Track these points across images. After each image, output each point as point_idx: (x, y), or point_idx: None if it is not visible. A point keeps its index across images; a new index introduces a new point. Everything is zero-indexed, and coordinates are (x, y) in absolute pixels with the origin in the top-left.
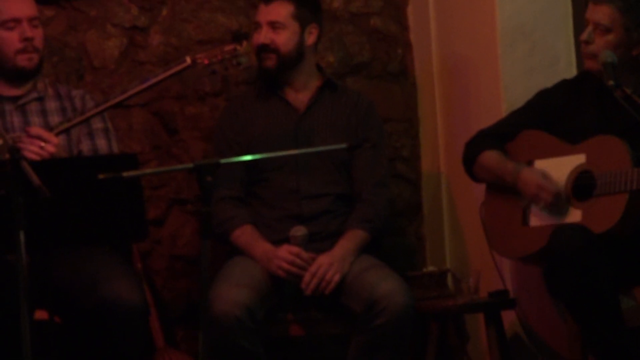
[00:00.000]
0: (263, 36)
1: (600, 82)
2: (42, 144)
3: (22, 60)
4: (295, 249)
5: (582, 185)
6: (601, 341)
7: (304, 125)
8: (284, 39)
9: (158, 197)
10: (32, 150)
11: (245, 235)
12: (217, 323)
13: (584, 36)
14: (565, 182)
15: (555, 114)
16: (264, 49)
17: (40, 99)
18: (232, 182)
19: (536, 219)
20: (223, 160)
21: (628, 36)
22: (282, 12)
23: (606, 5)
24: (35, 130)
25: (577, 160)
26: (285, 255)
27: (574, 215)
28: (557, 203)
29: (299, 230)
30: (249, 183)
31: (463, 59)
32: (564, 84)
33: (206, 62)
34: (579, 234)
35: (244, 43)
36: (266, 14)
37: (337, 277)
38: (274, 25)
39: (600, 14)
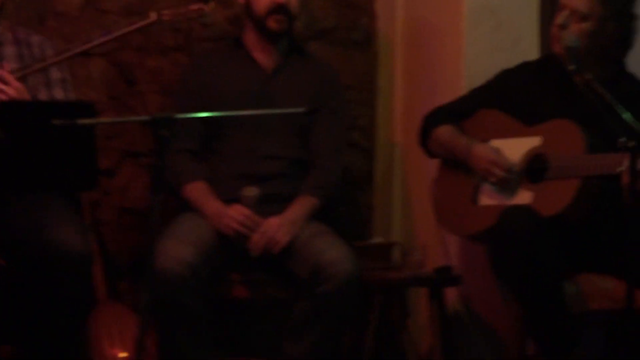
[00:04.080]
0: None
1: (562, 66)
2: (3, 86)
3: None
4: (246, 210)
5: (536, 168)
6: (542, 325)
7: (269, 87)
8: None
9: (111, 148)
10: None
11: (197, 190)
12: (159, 279)
13: (560, 20)
14: (519, 164)
15: (515, 95)
16: (278, 10)
17: None
18: (191, 135)
19: (486, 198)
20: (179, 115)
21: (602, 27)
22: None
23: None
24: None
25: (532, 142)
26: (235, 214)
27: (525, 197)
28: (509, 179)
29: (251, 191)
30: (208, 137)
31: (427, 32)
32: (525, 66)
33: (171, 19)
34: (528, 216)
35: (211, 4)
36: None
37: (286, 238)
38: None
39: (579, 1)
